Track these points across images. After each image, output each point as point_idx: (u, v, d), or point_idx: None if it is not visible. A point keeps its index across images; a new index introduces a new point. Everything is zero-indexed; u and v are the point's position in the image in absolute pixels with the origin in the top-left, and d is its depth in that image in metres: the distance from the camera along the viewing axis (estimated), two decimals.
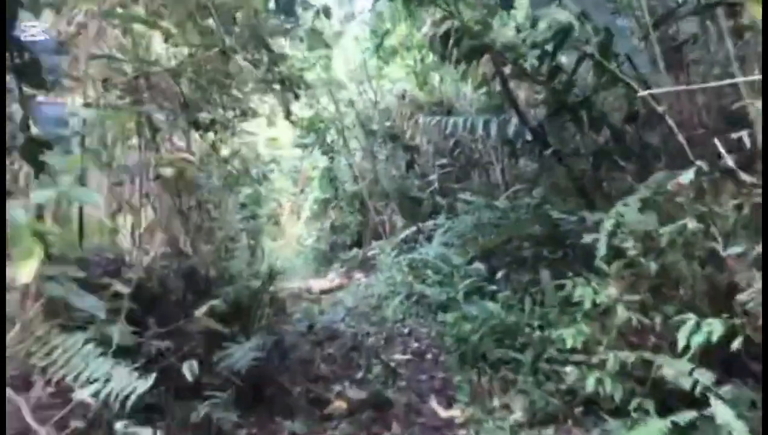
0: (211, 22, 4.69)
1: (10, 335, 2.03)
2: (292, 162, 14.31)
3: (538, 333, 4.32)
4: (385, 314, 6.81)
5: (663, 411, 2.58)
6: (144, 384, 1.84)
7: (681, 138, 4.21)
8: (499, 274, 5.82)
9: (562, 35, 5.12)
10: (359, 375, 4.78)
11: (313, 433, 3.69)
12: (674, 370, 2.51)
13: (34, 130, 2.00)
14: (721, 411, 2.16)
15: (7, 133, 1.92)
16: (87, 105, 2.96)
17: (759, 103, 2.86)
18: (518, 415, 3.64)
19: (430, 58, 9.68)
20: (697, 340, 2.38)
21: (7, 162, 2.70)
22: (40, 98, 2.57)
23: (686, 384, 2.45)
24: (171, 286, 4.72)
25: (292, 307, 6.95)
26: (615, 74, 4.61)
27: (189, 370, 2.71)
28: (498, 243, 6.28)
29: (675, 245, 2.92)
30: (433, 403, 4.20)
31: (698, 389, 2.43)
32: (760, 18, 2.31)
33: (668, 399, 2.65)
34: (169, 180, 4.59)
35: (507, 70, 6.11)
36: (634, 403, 2.64)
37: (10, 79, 1.87)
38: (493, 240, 6.40)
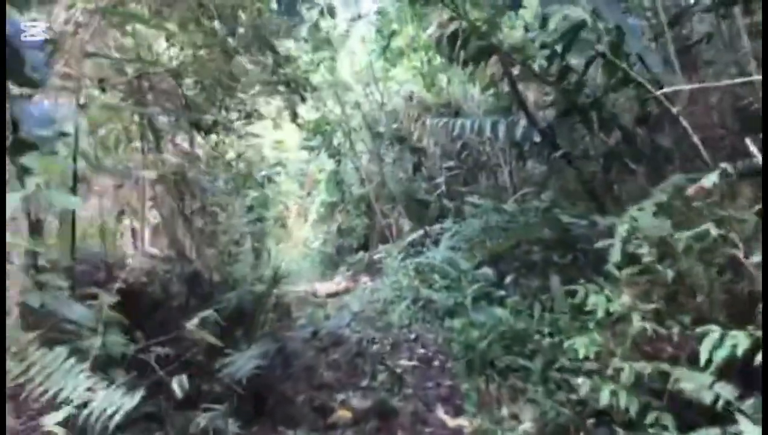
0: (213, 22, 4.62)
1: None
2: (299, 165, 14.27)
3: (547, 340, 4.20)
4: (391, 319, 6.70)
5: (682, 426, 2.46)
6: (130, 401, 1.74)
7: (696, 139, 4.10)
8: (508, 279, 5.69)
9: (572, 34, 5.00)
10: (364, 382, 4.67)
11: None
12: (694, 384, 2.38)
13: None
14: (748, 429, 2.04)
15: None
16: (81, 106, 2.89)
17: None
18: (528, 425, 3.52)
19: (438, 59, 9.58)
20: (721, 354, 2.25)
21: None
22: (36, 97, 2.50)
23: (707, 398, 2.32)
24: (173, 290, 4.65)
25: (298, 312, 6.86)
26: (627, 74, 4.48)
27: (179, 385, 2.60)
28: (506, 247, 6.15)
29: (692, 251, 2.79)
30: (440, 411, 4.09)
31: (720, 404, 2.31)
32: None
33: (686, 413, 2.53)
34: (172, 183, 4.53)
35: (515, 71, 6.00)
36: (650, 417, 2.52)
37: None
38: (502, 244, 6.27)
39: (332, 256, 12.77)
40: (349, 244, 12.38)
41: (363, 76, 11.24)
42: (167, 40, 4.19)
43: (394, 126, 10.92)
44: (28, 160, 1.75)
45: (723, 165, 2.70)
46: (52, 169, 1.81)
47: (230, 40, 5.00)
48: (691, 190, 2.75)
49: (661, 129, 5.57)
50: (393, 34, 10.41)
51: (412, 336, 6.04)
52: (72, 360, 1.84)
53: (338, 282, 10.54)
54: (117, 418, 1.71)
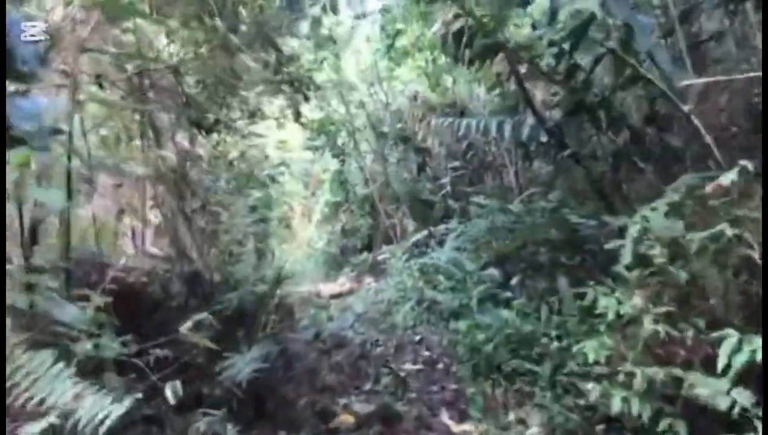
0: (215, 19, 4.56)
1: None
2: (303, 165, 14.20)
3: (555, 343, 4.12)
4: (395, 321, 6.61)
5: (695, 433, 2.37)
6: (119, 408, 1.66)
7: (708, 139, 4.01)
8: (514, 281, 5.61)
9: (581, 31, 4.91)
10: (367, 386, 4.59)
11: None
12: (709, 389, 2.29)
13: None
14: None
15: None
16: (77, 102, 2.82)
17: None
18: (535, 431, 3.45)
19: (443, 59, 9.49)
20: (740, 359, 2.16)
21: None
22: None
23: (723, 404, 2.23)
24: (173, 291, 4.58)
25: (301, 313, 6.79)
26: (636, 72, 4.39)
27: (172, 391, 2.51)
28: (513, 248, 6.06)
29: (706, 252, 2.70)
30: (445, 416, 4.01)
31: (736, 410, 2.21)
32: None
33: (700, 420, 2.44)
34: (172, 181, 4.46)
35: (522, 69, 5.90)
36: (663, 424, 2.43)
37: None
38: (508, 245, 6.18)
39: (336, 256, 12.70)
40: (353, 244, 12.31)
41: (367, 75, 11.16)
42: (167, 36, 4.13)
43: (399, 126, 10.84)
44: (12, 155, 1.67)
45: (742, 162, 2.60)
46: (23, 162, 1.74)
47: (232, 37, 4.94)
48: (709, 188, 2.65)
49: (670, 128, 5.48)
50: (398, 33, 10.33)
51: (417, 338, 5.95)
52: (60, 364, 1.76)
53: (342, 283, 10.47)
54: (107, 424, 1.63)
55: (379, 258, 10.14)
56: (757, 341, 2.15)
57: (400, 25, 10.31)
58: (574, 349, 3.21)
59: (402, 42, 10.44)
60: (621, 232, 3.38)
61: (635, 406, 2.50)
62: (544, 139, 6.13)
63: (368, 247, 11.84)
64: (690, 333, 2.56)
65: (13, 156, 1.66)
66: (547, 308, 4.51)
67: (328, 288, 10.01)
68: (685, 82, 3.52)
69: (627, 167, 5.64)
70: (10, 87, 2.09)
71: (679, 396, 2.48)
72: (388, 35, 10.34)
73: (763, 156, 2.65)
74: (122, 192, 4.94)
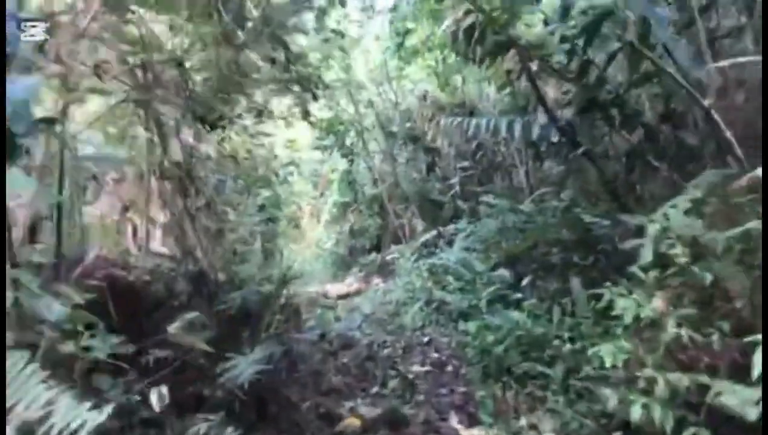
0: (221, 15, 4.47)
1: None
2: (312, 165, 14.13)
3: (568, 346, 3.99)
4: (403, 322, 6.50)
5: None
6: (96, 416, 1.54)
7: (728, 134, 3.87)
8: (525, 281, 5.48)
9: (595, 26, 4.78)
10: (374, 388, 4.48)
11: None
12: (737, 398, 2.15)
13: None
14: None
15: None
16: (69, 90, 2.72)
17: None
18: None
19: (453, 58, 9.37)
20: None
21: None
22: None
23: (752, 415, 2.09)
24: (176, 290, 4.48)
25: (307, 313, 6.68)
26: (654, 66, 4.25)
27: (157, 398, 2.38)
28: (523, 248, 5.93)
29: (731, 252, 2.56)
30: (454, 420, 3.89)
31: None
32: None
33: (726, 430, 2.30)
34: (176, 179, 4.37)
35: (534, 66, 5.78)
36: (686, 434, 2.29)
37: None
38: (519, 245, 6.05)
39: (344, 256, 12.62)
40: (362, 244, 12.22)
41: (376, 74, 11.06)
42: (171, 30, 4.04)
43: (408, 125, 10.74)
44: None
45: None
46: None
47: (239, 33, 4.85)
48: (743, 181, 2.51)
49: (685, 126, 5.33)
50: (407, 32, 10.22)
51: (425, 339, 5.83)
52: (32, 366, 1.64)
53: (350, 283, 10.37)
54: (82, 434, 1.51)
55: (388, 258, 10.05)
56: None
57: (410, 24, 10.21)
58: (590, 352, 3.08)
59: (412, 41, 10.33)
60: (638, 232, 3.25)
61: (657, 414, 2.36)
62: (555, 138, 6.00)
63: (377, 247, 11.75)
64: (715, 337, 2.42)
65: None
66: (559, 310, 4.39)
67: (335, 288, 9.92)
68: (713, 65, 3.35)
69: (641, 166, 5.49)
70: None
71: (703, 404, 2.35)
72: (397, 34, 10.24)
73: (763, 156, 2.61)
74: (127, 189, 4.87)
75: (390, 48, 10.56)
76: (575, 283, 4.41)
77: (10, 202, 2.83)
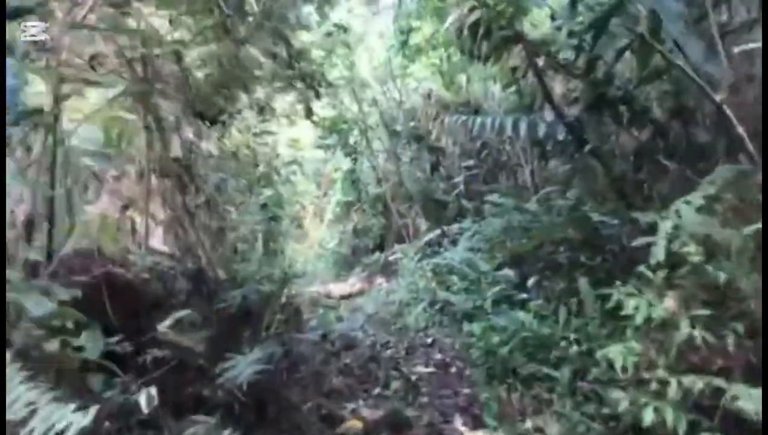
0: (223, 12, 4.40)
1: None
2: (315, 164, 14.06)
3: (575, 347, 3.90)
4: (406, 322, 6.42)
5: None
6: (81, 419, 1.46)
7: (741, 130, 3.76)
8: (531, 281, 5.39)
9: (603, 21, 4.69)
10: (377, 390, 4.40)
11: None
12: (754, 403, 2.06)
13: None
14: None
15: None
16: (63, 80, 2.65)
17: None
18: None
19: (457, 56, 9.28)
20: None
21: None
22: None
23: None
24: (176, 288, 4.41)
25: (309, 313, 6.61)
26: (664, 61, 4.15)
27: (146, 400, 2.30)
28: (529, 248, 5.83)
29: (746, 250, 2.47)
30: (458, 423, 3.81)
31: None
32: None
33: None
34: (175, 176, 4.30)
35: (540, 61, 5.68)
36: None
37: None
38: (524, 244, 5.95)
39: (347, 256, 12.54)
40: (365, 244, 12.15)
41: (380, 72, 10.98)
42: (171, 23, 3.96)
43: (412, 124, 10.65)
44: None
45: None
46: None
47: (240, 28, 4.78)
48: (759, 178, 2.41)
49: (695, 123, 5.23)
50: (411, 30, 10.14)
51: (429, 340, 5.75)
52: (14, 366, 1.57)
53: (352, 283, 10.30)
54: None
55: (391, 258, 9.96)
56: None
57: (414, 22, 10.13)
58: (598, 354, 2.99)
59: (416, 39, 10.25)
60: (648, 231, 3.15)
61: (669, 418, 2.27)
62: (561, 136, 5.91)
63: (380, 247, 11.66)
64: (730, 339, 2.33)
65: None
66: (565, 310, 4.29)
67: (338, 288, 9.84)
68: (740, 49, 3.25)
69: (649, 164, 5.40)
70: None
71: (717, 408, 2.25)
72: (401, 31, 10.17)
73: (763, 155, 2.63)
74: (127, 186, 4.80)
75: (394, 46, 10.49)
76: (582, 283, 4.31)
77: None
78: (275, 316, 4.42)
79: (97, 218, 4.53)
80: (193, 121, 4.40)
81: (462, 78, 10.02)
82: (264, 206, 8.59)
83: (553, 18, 5.74)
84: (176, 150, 4.40)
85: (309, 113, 7.36)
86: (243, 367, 3.30)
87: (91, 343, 2.27)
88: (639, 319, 2.65)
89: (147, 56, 3.75)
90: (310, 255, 13.59)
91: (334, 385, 4.39)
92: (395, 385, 4.47)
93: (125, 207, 4.73)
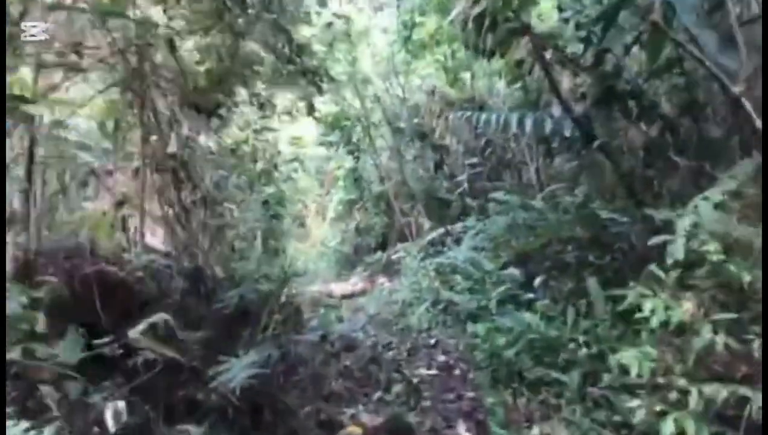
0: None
1: None
2: (318, 162, 13.93)
3: (584, 350, 3.75)
4: (409, 323, 6.29)
5: None
6: None
7: (758, 124, 3.60)
8: (537, 281, 5.24)
9: (612, 13, 4.55)
10: (377, 393, 4.26)
11: None
12: None
13: None
14: None
15: None
16: (42, 66, 2.51)
17: None
18: None
19: (462, 51, 9.12)
20: None
21: None
22: None
23: None
24: (171, 287, 4.27)
25: (311, 313, 6.47)
26: (677, 52, 3.99)
27: (113, 417, 2.14)
28: (535, 246, 5.68)
29: None
30: (461, 429, 3.68)
31: None
32: None
33: None
34: (170, 171, 4.17)
35: (547, 55, 5.53)
36: None
37: None
38: (530, 243, 5.80)
39: (349, 255, 12.43)
40: (367, 243, 12.03)
41: (383, 68, 10.83)
42: (165, 12, 3.82)
43: (416, 121, 10.52)
44: None
45: None
46: None
47: (238, 20, 4.64)
48: None
49: (705, 118, 5.07)
50: (415, 25, 9.99)
51: (432, 341, 5.61)
52: None
53: (354, 283, 10.16)
54: None
55: (394, 257, 9.82)
56: None
57: (418, 17, 9.98)
58: (611, 358, 2.83)
59: (420, 34, 10.09)
60: (660, 228, 3.00)
61: (690, 430, 2.12)
62: (567, 132, 5.76)
63: (383, 246, 11.54)
64: (756, 344, 2.17)
65: None
66: (574, 311, 4.15)
67: (339, 288, 9.71)
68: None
69: (660, 161, 5.24)
70: None
71: (741, 417, 2.10)
72: (405, 27, 10.01)
73: (763, 156, 2.55)
74: (122, 181, 4.68)
75: (397, 41, 10.34)
76: (592, 283, 4.17)
77: None
78: (274, 316, 4.28)
79: (90, 214, 4.41)
80: (190, 115, 4.26)
81: (466, 74, 9.87)
82: (265, 204, 8.46)
83: (560, 10, 5.59)
84: (172, 144, 4.26)
85: (311, 110, 7.23)
86: (237, 370, 3.16)
87: (69, 349, 2.12)
88: (655, 322, 2.50)
89: (141, 46, 3.60)
90: (311, 254, 13.48)
91: (333, 389, 4.25)
92: (397, 388, 4.34)
93: (120, 203, 4.60)
